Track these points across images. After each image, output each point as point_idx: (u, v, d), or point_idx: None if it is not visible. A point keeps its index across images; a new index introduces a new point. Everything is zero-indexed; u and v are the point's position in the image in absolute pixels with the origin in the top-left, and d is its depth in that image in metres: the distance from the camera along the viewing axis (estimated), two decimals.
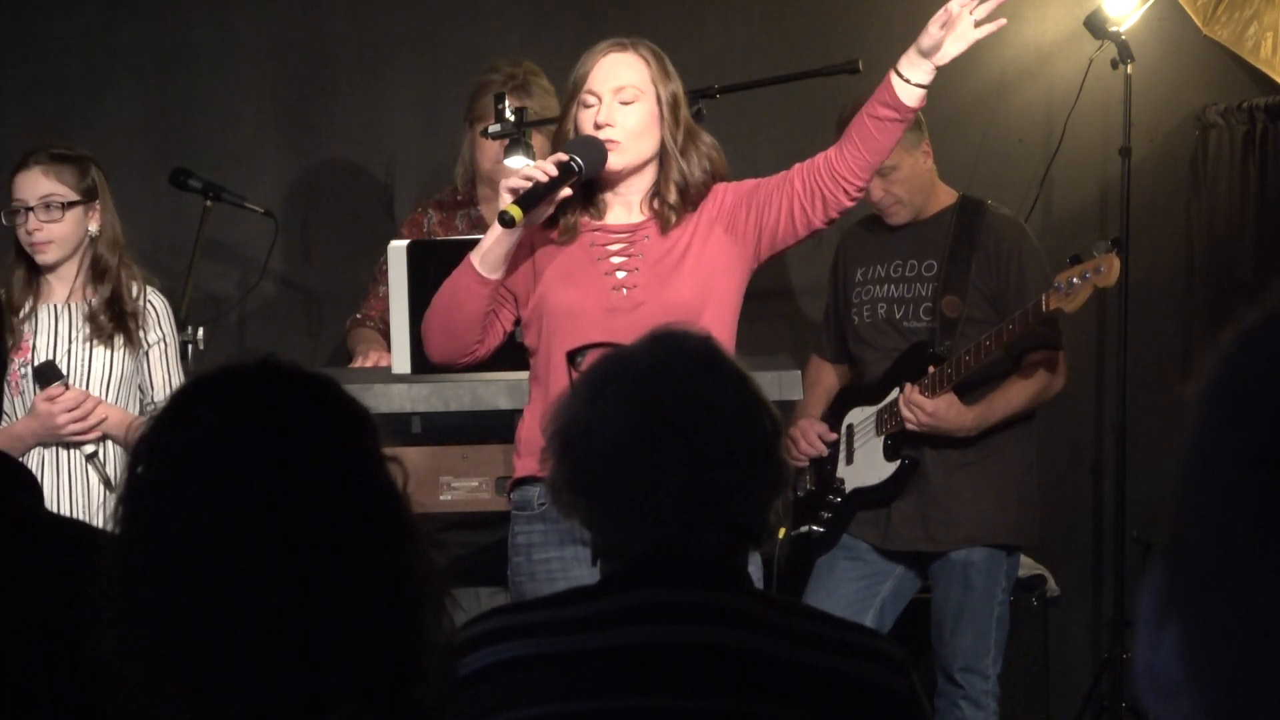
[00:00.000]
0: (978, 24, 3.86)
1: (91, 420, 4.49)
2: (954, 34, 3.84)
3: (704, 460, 2.31)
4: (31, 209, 4.54)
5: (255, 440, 1.67)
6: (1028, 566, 5.64)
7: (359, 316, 5.28)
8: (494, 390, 4.47)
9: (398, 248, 4.29)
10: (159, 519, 1.66)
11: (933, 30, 3.82)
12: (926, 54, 3.83)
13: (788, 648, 2.29)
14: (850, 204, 3.91)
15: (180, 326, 4.96)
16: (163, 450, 1.69)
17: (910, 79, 3.83)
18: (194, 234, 5.32)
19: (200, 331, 5.01)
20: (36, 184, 4.55)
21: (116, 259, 4.61)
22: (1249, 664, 1.11)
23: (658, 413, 2.32)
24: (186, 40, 6.10)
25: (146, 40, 6.10)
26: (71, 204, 4.56)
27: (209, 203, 5.33)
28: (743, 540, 2.37)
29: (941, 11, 3.83)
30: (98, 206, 4.61)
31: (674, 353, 2.39)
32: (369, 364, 5.12)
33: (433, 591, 1.71)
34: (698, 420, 2.32)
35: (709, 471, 2.31)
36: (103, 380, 4.57)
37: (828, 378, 5.21)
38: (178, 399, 1.73)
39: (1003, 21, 3.90)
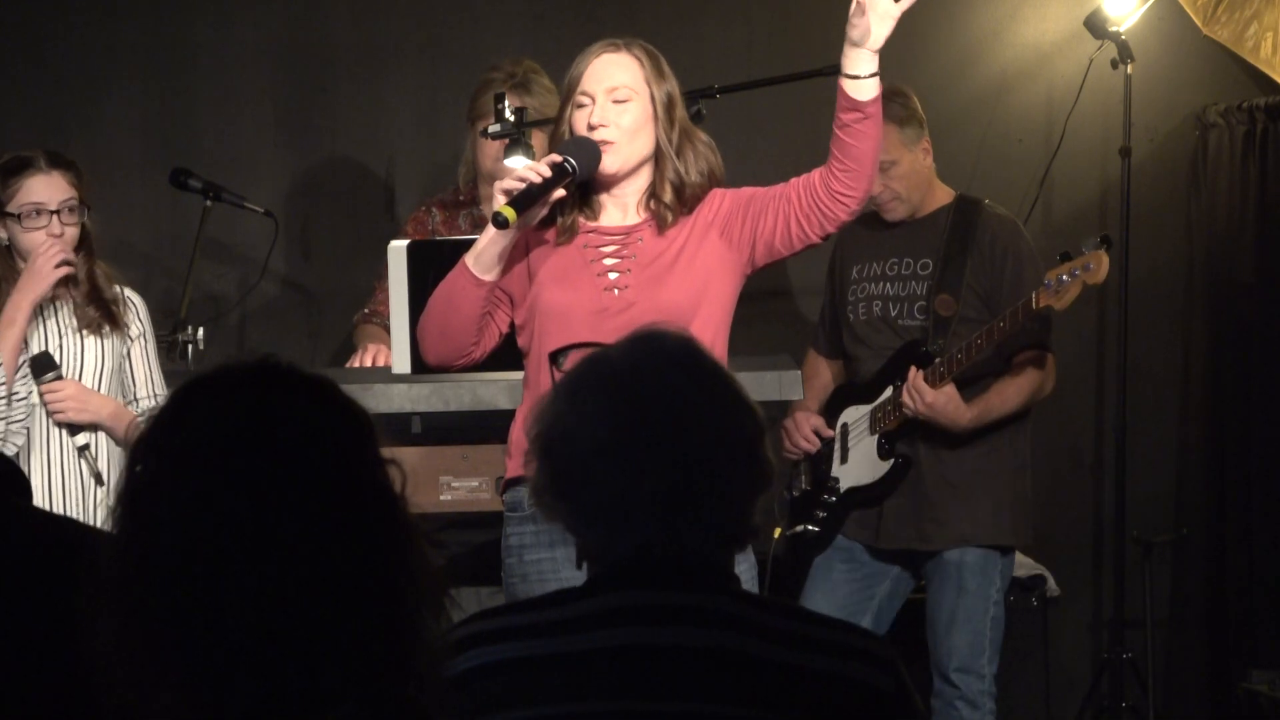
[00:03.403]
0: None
1: (63, 262, 4.48)
2: (876, 14, 3.76)
3: (684, 462, 2.29)
4: (56, 212, 4.53)
5: (253, 441, 1.67)
6: (1028, 566, 5.64)
7: (366, 312, 5.29)
8: (494, 390, 4.47)
9: (398, 248, 4.29)
10: (156, 518, 1.66)
11: (854, 20, 3.78)
12: (859, 44, 3.78)
13: (772, 648, 2.28)
14: (848, 219, 3.86)
15: (180, 326, 4.97)
16: (160, 449, 1.69)
17: (857, 74, 3.79)
18: (194, 234, 5.32)
19: (200, 331, 5.01)
20: (60, 188, 4.54)
21: (90, 252, 4.62)
22: None
23: (637, 415, 2.30)
24: (186, 40, 6.10)
25: (146, 40, 6.10)
26: (84, 206, 4.59)
27: (209, 203, 5.33)
28: (726, 540, 2.36)
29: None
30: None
31: (653, 354, 2.37)
32: (369, 358, 5.12)
33: (429, 592, 1.71)
34: (677, 421, 2.31)
35: (689, 473, 2.29)
36: (95, 371, 4.58)
37: (824, 372, 5.21)
38: (176, 399, 1.73)
39: None
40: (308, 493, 1.66)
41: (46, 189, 4.53)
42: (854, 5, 3.76)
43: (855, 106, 3.77)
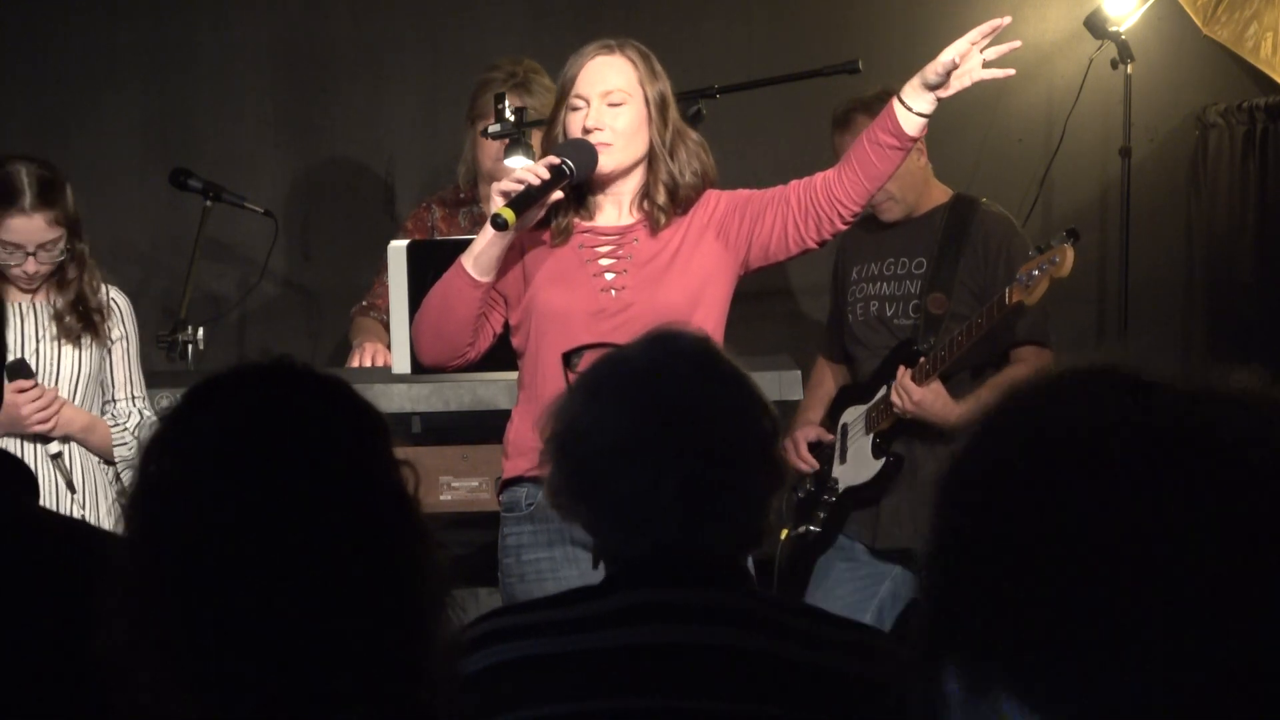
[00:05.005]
0: (986, 64, 3.86)
1: (54, 419, 4.45)
2: (960, 70, 3.84)
3: (701, 461, 2.30)
4: (31, 254, 4.46)
5: (267, 441, 1.67)
6: None
7: (364, 305, 5.29)
8: (494, 390, 4.47)
9: (398, 248, 4.29)
10: (169, 518, 1.67)
11: (938, 68, 3.82)
12: (931, 88, 3.84)
13: (788, 647, 2.29)
14: (844, 227, 3.91)
15: (180, 326, 4.95)
16: (174, 449, 1.69)
17: (913, 108, 3.84)
18: (194, 234, 5.31)
19: (200, 331, 5.00)
20: (39, 230, 4.41)
21: (82, 265, 4.55)
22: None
23: (654, 415, 2.31)
24: (186, 40, 6.10)
25: (146, 40, 6.10)
26: (66, 240, 4.49)
27: (209, 203, 5.32)
28: (743, 539, 2.37)
29: (952, 48, 3.83)
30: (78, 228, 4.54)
31: (671, 354, 2.38)
32: (366, 355, 5.13)
33: (440, 594, 1.71)
34: (694, 421, 2.32)
35: (707, 472, 2.30)
36: (71, 379, 4.54)
37: (828, 381, 5.22)
38: (190, 399, 1.73)
39: (1011, 72, 3.91)
40: (321, 494, 1.66)
41: (25, 231, 4.40)
42: (946, 57, 3.81)
43: (898, 134, 3.84)
